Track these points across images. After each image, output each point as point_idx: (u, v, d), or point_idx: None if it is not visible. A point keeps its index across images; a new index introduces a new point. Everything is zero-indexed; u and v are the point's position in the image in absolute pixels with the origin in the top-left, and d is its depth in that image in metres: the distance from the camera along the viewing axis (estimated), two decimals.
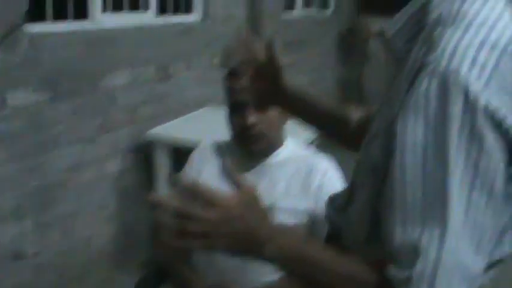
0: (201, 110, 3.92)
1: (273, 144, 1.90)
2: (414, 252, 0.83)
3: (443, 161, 0.81)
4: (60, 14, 2.91)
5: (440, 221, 0.81)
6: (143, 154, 3.41)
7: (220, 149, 2.02)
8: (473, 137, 0.80)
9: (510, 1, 0.91)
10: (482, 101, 0.80)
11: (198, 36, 4.02)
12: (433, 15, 0.90)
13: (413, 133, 0.83)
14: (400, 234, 0.84)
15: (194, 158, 2.06)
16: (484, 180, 0.82)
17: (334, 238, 1.19)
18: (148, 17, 3.56)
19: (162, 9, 3.75)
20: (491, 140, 0.81)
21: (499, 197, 0.84)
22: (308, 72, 5.83)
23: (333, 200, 1.26)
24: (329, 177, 1.85)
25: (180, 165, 2.14)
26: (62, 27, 2.89)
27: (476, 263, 0.83)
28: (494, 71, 0.81)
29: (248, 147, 1.87)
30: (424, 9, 0.92)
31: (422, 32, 0.90)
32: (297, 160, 1.89)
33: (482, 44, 0.83)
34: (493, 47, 0.83)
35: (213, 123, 2.31)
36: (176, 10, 3.92)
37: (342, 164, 1.93)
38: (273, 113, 1.79)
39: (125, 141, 3.31)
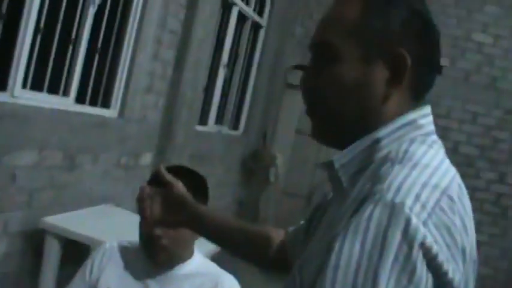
0: (100, 207, 3.77)
1: (178, 257, 1.87)
2: None
3: (372, 284, 0.83)
4: None
5: None
6: (33, 241, 3.17)
7: (127, 251, 1.96)
8: (406, 267, 0.83)
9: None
10: (420, 236, 0.83)
11: (110, 132, 3.95)
12: (381, 153, 0.97)
13: (348, 253, 0.85)
14: None
15: (98, 255, 1.96)
16: None
17: None
18: (67, 103, 3.47)
19: (82, 99, 3.67)
20: (421, 274, 0.84)
21: None
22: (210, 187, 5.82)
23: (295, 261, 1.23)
24: None
25: (70, 258, 2.02)
26: None
27: None
28: (434, 209, 0.86)
29: (152, 257, 1.85)
30: (372, 148, 0.98)
31: (369, 167, 0.95)
32: (202, 275, 1.88)
33: (425, 184, 0.88)
34: (434, 188, 0.88)
35: (111, 222, 2.19)
36: (95, 103, 3.86)
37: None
38: (185, 231, 1.76)
39: (17, 225, 3.08)
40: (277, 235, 1.44)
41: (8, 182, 2.98)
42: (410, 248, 0.83)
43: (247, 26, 6.65)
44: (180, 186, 1.43)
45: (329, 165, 1.02)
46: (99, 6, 3.61)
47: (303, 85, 1.07)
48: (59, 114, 3.36)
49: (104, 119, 3.89)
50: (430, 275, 0.85)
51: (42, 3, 3.08)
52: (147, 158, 4.56)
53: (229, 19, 6.06)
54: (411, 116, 1.00)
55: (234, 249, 1.48)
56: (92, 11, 3.55)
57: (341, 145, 1.03)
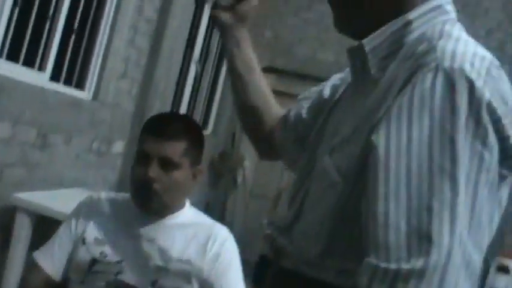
0: (72, 190, 3.67)
1: (169, 206, 1.81)
2: (425, 240, 0.80)
3: (454, 154, 0.81)
4: None
5: (450, 214, 0.80)
6: (3, 217, 3.07)
7: (115, 202, 1.90)
8: (478, 130, 0.83)
9: None
10: (486, 97, 0.84)
11: (84, 114, 3.87)
12: (413, 35, 0.97)
13: (412, 129, 0.83)
14: (407, 226, 0.81)
15: (83, 206, 1.90)
16: (487, 176, 0.85)
17: (271, 263, 1.10)
18: (42, 79, 3.39)
19: (57, 77, 3.59)
20: (492, 136, 0.85)
21: (496, 190, 0.87)
22: None
23: (273, 222, 1.17)
24: (227, 246, 1.82)
25: (41, 234, 1.96)
26: None
27: (478, 257, 0.83)
28: (487, 76, 0.87)
29: (143, 204, 1.78)
30: (403, 30, 0.98)
31: (400, 51, 0.96)
32: (195, 225, 1.85)
33: (475, 53, 0.89)
34: (483, 58, 0.90)
35: None
36: (70, 83, 3.78)
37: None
38: (179, 175, 1.74)
39: None
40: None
41: None
42: (479, 109, 0.83)
43: None
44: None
45: (358, 50, 1.00)
46: None
47: None
48: (34, 90, 3.27)
49: (77, 100, 3.81)
50: (496, 140, 0.85)
51: None
52: (118, 146, 4.48)
53: (202, 16, 6.04)
54: (438, 1, 1.01)
55: (244, 98, 1.39)
56: None
57: (366, 30, 1.01)
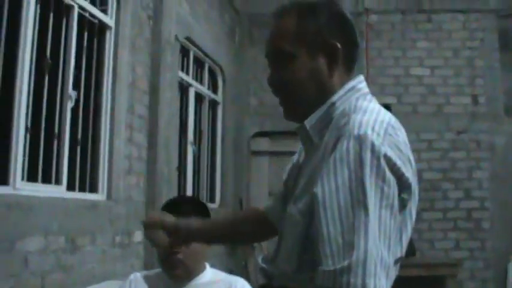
0: (104, 283, 4.01)
1: (193, 270, 2.23)
2: (348, 248, 1.21)
3: (363, 190, 1.25)
4: None
5: (365, 227, 1.23)
6: None
7: (149, 278, 2.29)
8: (379, 173, 1.26)
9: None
10: (382, 150, 1.27)
11: (102, 214, 4.26)
12: (337, 111, 1.42)
13: (337, 179, 1.27)
14: (340, 240, 1.23)
15: (126, 286, 2.26)
16: (388, 202, 1.26)
17: (266, 285, 1.55)
18: (60, 191, 3.80)
19: (72, 186, 4.00)
20: (389, 175, 1.27)
21: (397, 212, 1.30)
22: None
23: (263, 258, 1.60)
24: None
25: None
26: None
27: (389, 257, 1.25)
28: (385, 135, 1.29)
29: (171, 272, 2.19)
30: (330, 109, 1.43)
31: (331, 123, 1.40)
32: (217, 282, 2.25)
33: (375, 120, 1.31)
34: (382, 122, 1.31)
35: None
36: (84, 188, 4.19)
37: None
38: (197, 245, 2.15)
39: None
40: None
41: (22, 266, 3.24)
42: (378, 159, 1.26)
43: (206, 104, 7.11)
44: (168, 217, 1.82)
45: (302, 128, 1.46)
46: (75, 100, 4.01)
47: (271, 83, 1.52)
48: (56, 201, 3.67)
49: (94, 202, 4.21)
50: (393, 178, 1.28)
51: (27, 104, 3.45)
52: (138, 236, 4.85)
53: (188, 100, 6.52)
54: (352, 83, 1.46)
55: (238, 237, 1.88)
56: (70, 106, 3.94)
57: (307, 115, 1.45)
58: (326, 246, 1.23)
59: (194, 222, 1.83)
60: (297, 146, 1.63)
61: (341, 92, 1.44)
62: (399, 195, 1.30)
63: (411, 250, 6.60)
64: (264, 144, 8.02)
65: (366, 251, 1.20)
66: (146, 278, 2.28)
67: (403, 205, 1.33)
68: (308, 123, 1.44)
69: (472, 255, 7.31)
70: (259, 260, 1.60)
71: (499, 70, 7.60)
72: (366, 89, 1.47)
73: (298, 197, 1.40)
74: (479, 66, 7.68)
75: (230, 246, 2.15)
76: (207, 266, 2.28)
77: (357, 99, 1.42)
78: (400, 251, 1.35)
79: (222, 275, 2.30)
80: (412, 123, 7.59)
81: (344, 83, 1.45)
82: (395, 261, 1.33)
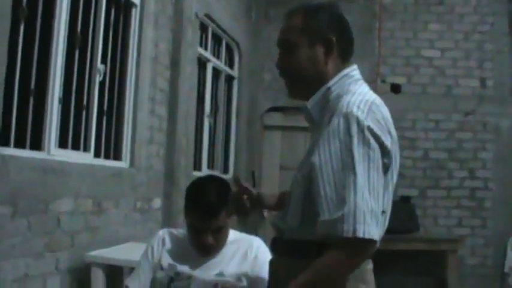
0: (127, 244, 4.34)
1: (221, 247, 2.49)
2: (342, 202, 1.55)
3: (352, 156, 1.58)
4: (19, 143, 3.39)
5: (354, 186, 1.55)
6: (80, 275, 3.74)
7: (176, 238, 2.56)
8: (365, 141, 1.59)
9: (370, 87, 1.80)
10: (366, 123, 1.60)
11: (125, 181, 4.57)
12: (333, 95, 1.76)
13: (330, 148, 1.60)
14: (334, 197, 1.56)
15: (155, 241, 2.57)
16: (374, 164, 1.60)
17: (278, 239, 1.88)
18: (88, 158, 4.10)
19: (98, 153, 4.30)
20: (373, 143, 1.60)
21: (381, 172, 1.62)
22: None
23: (277, 215, 1.93)
24: (262, 250, 2.52)
25: (115, 285, 2.59)
26: (22, 153, 3.35)
27: (377, 207, 1.58)
28: (368, 111, 1.63)
29: (201, 253, 2.46)
30: (327, 92, 1.77)
31: (328, 104, 1.74)
32: (236, 242, 2.54)
33: (360, 101, 1.67)
34: (366, 101, 1.67)
35: (141, 252, 2.72)
36: (109, 156, 4.50)
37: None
38: (225, 231, 2.47)
39: (65, 262, 3.65)
40: None
41: (55, 226, 3.56)
42: (363, 130, 1.59)
43: (222, 79, 7.38)
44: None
45: (305, 109, 1.80)
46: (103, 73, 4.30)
47: (279, 66, 1.87)
48: (84, 167, 3.98)
49: (118, 169, 4.52)
50: (377, 145, 1.61)
51: (60, 77, 3.74)
52: (157, 203, 5.17)
53: (206, 74, 6.78)
54: (345, 71, 1.81)
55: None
56: (98, 79, 4.23)
57: (307, 96, 1.80)
58: (324, 203, 1.56)
59: (270, 198, 2.17)
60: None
61: (336, 78, 1.78)
62: (382, 160, 1.62)
63: (415, 225, 6.90)
64: (276, 118, 8.27)
65: (355, 204, 1.52)
66: (173, 238, 2.55)
67: (385, 168, 1.65)
68: (309, 104, 1.78)
69: (474, 233, 7.59)
70: (276, 217, 1.91)
71: (508, 54, 7.77)
72: (358, 76, 1.81)
73: (302, 165, 1.74)
74: (488, 50, 7.86)
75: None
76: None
77: (349, 84, 1.76)
78: (384, 206, 1.67)
79: (240, 235, 2.58)
80: (421, 103, 7.83)
81: (339, 70, 1.79)
82: (382, 213, 1.65)
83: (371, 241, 1.54)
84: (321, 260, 1.58)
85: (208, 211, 2.34)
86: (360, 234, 1.51)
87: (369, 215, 1.53)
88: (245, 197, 2.13)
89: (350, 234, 1.51)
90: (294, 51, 1.80)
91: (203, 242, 2.39)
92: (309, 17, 1.82)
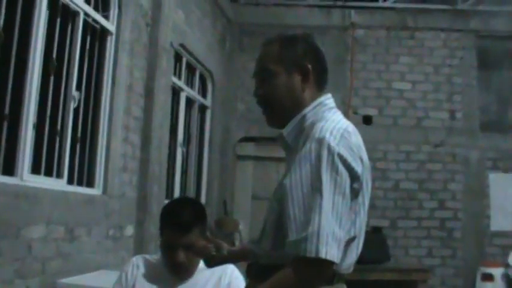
0: (97, 273, 4.29)
1: (194, 269, 2.51)
2: (306, 223, 1.58)
3: (320, 180, 1.62)
4: None
5: (319, 209, 1.60)
6: None
7: (150, 263, 2.56)
8: (333, 167, 1.64)
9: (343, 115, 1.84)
10: (336, 150, 1.65)
11: (98, 207, 4.54)
12: (308, 122, 1.81)
13: (301, 171, 1.65)
14: (302, 218, 1.61)
15: (129, 267, 2.55)
16: (340, 189, 1.62)
17: (253, 264, 1.91)
18: (61, 184, 4.07)
19: (71, 180, 4.27)
20: (342, 168, 1.65)
21: (348, 198, 1.66)
22: None
23: (251, 241, 1.95)
24: (235, 276, 2.56)
25: None
26: None
27: (340, 232, 1.62)
28: (340, 138, 1.67)
29: (175, 273, 2.48)
30: (302, 120, 1.83)
31: (303, 132, 1.78)
32: (210, 269, 2.48)
33: (333, 127, 1.71)
34: (339, 129, 1.70)
35: (112, 281, 2.72)
36: (81, 183, 4.46)
37: None
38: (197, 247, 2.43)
39: None
40: None
41: (27, 252, 3.51)
42: (333, 156, 1.64)
43: (195, 108, 7.41)
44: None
45: (280, 136, 1.85)
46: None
47: (257, 94, 1.92)
48: (57, 194, 3.94)
49: (91, 196, 4.49)
50: (345, 171, 1.66)
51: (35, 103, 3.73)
52: (130, 230, 5.13)
53: (179, 103, 6.81)
54: (320, 99, 1.86)
55: None
56: (72, 106, 4.22)
57: (285, 124, 1.85)
58: (292, 224, 1.60)
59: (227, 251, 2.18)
60: (280, 152, 1.96)
61: (311, 106, 1.83)
62: (351, 185, 1.66)
63: (386, 256, 6.94)
64: (249, 149, 8.32)
65: (319, 225, 1.56)
66: (147, 263, 2.55)
67: (355, 193, 1.69)
68: (285, 131, 1.83)
69: (444, 263, 7.67)
70: (249, 242, 1.94)
71: (476, 88, 7.99)
72: (332, 104, 1.87)
73: (277, 190, 1.78)
74: (457, 83, 8.06)
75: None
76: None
77: (323, 111, 1.81)
78: (354, 231, 1.71)
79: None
80: (392, 135, 7.96)
81: (314, 99, 1.85)
82: (351, 239, 1.71)
83: (331, 262, 1.58)
84: (277, 275, 1.62)
85: (180, 226, 2.40)
86: (322, 255, 1.55)
87: (332, 237, 1.57)
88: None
89: (313, 254, 1.55)
90: (271, 80, 1.85)
91: (175, 260, 2.40)
92: (286, 46, 1.87)
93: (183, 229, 2.39)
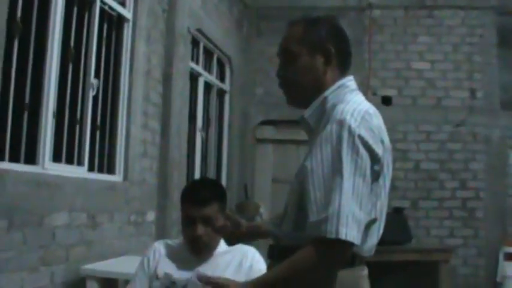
0: (120, 258, 4.35)
1: (213, 247, 2.55)
2: (327, 204, 1.59)
3: (340, 161, 1.62)
4: (14, 158, 3.41)
5: (339, 190, 1.59)
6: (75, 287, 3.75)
7: (172, 247, 2.60)
8: (354, 148, 1.63)
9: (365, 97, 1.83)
10: (357, 132, 1.64)
11: (119, 194, 4.59)
12: (329, 104, 1.80)
13: (322, 153, 1.65)
14: (322, 199, 1.61)
15: (150, 252, 2.60)
16: (361, 171, 1.62)
17: (274, 246, 1.92)
18: (82, 172, 4.12)
19: (92, 167, 4.32)
20: (362, 150, 1.64)
21: (369, 180, 1.66)
22: None
23: (272, 224, 2.00)
24: (256, 259, 2.58)
25: None
26: (16, 167, 3.37)
27: (360, 214, 1.61)
28: (361, 120, 1.67)
29: (196, 252, 2.53)
30: (324, 102, 1.82)
31: (324, 114, 1.78)
32: (230, 251, 2.60)
33: (354, 109, 1.71)
34: (360, 110, 1.70)
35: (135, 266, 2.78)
36: (102, 170, 4.51)
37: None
38: (217, 222, 2.46)
39: (60, 276, 3.65)
40: None
41: (50, 239, 3.57)
42: (353, 138, 1.64)
43: (214, 93, 7.42)
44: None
45: (302, 118, 1.86)
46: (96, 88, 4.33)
47: (280, 75, 1.92)
48: (78, 181, 3.99)
49: (112, 183, 4.54)
50: (366, 153, 1.65)
51: (54, 91, 3.77)
52: (150, 216, 5.18)
53: (198, 88, 6.82)
54: (342, 81, 1.85)
55: None
56: (91, 93, 4.26)
57: (306, 105, 1.85)
58: (313, 205, 1.61)
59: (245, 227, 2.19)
60: (300, 135, 1.96)
61: (332, 88, 1.82)
62: (372, 167, 1.66)
63: (408, 236, 6.93)
64: (268, 132, 8.32)
65: (339, 206, 1.56)
66: (169, 248, 2.59)
67: (376, 175, 1.69)
68: (306, 113, 1.84)
69: (466, 243, 7.63)
70: (272, 224, 1.96)
71: (497, 66, 7.87)
72: (354, 86, 1.86)
73: (298, 172, 1.77)
74: (477, 62, 7.96)
75: None
76: (221, 240, 2.59)
77: (345, 93, 1.81)
78: (375, 213, 1.71)
79: (234, 245, 2.61)
80: (411, 115, 7.90)
81: (336, 80, 1.84)
82: (372, 221, 1.71)
83: (351, 244, 1.58)
84: (297, 255, 1.61)
85: (199, 199, 2.46)
86: (342, 236, 1.55)
87: (352, 218, 1.57)
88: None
89: (333, 236, 1.55)
90: (294, 61, 1.85)
91: (194, 233, 2.44)
92: (309, 28, 1.87)
93: (202, 202, 2.45)
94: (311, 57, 1.84)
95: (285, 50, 1.89)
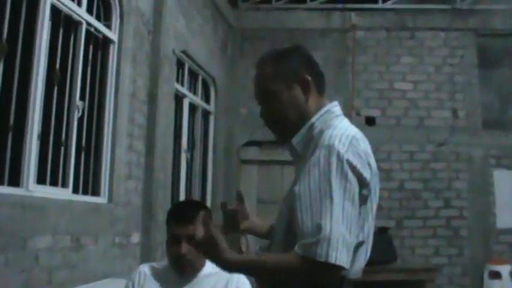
0: (105, 281, 4.31)
1: (197, 266, 2.57)
2: (318, 228, 1.60)
3: (329, 186, 1.64)
4: None
5: (330, 215, 1.61)
6: None
7: (157, 270, 2.60)
8: (343, 173, 1.66)
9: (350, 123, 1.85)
10: (345, 157, 1.67)
11: (104, 216, 4.56)
12: (316, 130, 1.83)
13: (310, 178, 1.67)
14: (310, 224, 1.62)
15: (135, 276, 2.59)
16: (350, 196, 1.65)
17: None
18: (67, 194, 4.10)
19: (76, 189, 4.30)
20: (351, 175, 1.67)
21: (357, 204, 1.69)
22: None
23: (260, 247, 1.95)
24: (242, 282, 2.58)
25: None
26: (0, 190, 3.34)
27: (349, 238, 1.63)
28: (349, 145, 1.69)
29: (180, 271, 2.53)
30: (311, 129, 1.84)
31: (312, 140, 1.81)
32: (216, 274, 2.57)
33: (342, 134, 1.73)
34: (348, 136, 1.73)
35: None
36: (87, 192, 4.49)
37: None
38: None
39: None
40: None
41: (33, 262, 3.53)
42: (342, 163, 1.66)
43: (199, 114, 7.43)
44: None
45: (290, 144, 1.88)
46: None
47: (263, 115, 1.93)
48: (63, 203, 3.96)
49: (97, 205, 4.51)
50: (354, 178, 1.67)
51: (39, 113, 3.75)
52: (136, 237, 5.15)
53: (183, 109, 6.83)
54: (327, 107, 1.88)
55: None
56: (76, 115, 4.25)
57: (294, 134, 1.86)
58: (302, 228, 1.62)
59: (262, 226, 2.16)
60: (284, 155, 1.97)
61: (318, 114, 1.85)
62: (360, 191, 1.68)
63: (393, 256, 6.95)
64: (253, 153, 8.34)
65: (330, 231, 1.58)
66: (154, 270, 2.59)
67: (364, 199, 1.71)
68: (294, 140, 1.85)
69: (451, 262, 7.67)
70: (257, 248, 1.96)
71: (478, 86, 8.00)
72: (339, 112, 1.89)
73: (286, 197, 1.81)
74: (459, 82, 8.07)
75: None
76: (206, 260, 2.59)
77: (331, 119, 1.84)
78: (362, 236, 1.73)
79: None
80: (395, 135, 7.97)
81: (319, 106, 1.87)
82: (360, 244, 1.73)
83: (340, 268, 1.60)
84: (284, 257, 1.66)
85: (183, 217, 2.49)
86: (332, 260, 1.57)
87: (342, 242, 1.59)
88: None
89: (322, 259, 1.57)
90: (274, 98, 1.85)
91: (179, 251, 2.46)
92: (279, 63, 1.87)
93: (186, 220, 2.48)
94: (290, 90, 1.85)
95: (261, 90, 1.89)
